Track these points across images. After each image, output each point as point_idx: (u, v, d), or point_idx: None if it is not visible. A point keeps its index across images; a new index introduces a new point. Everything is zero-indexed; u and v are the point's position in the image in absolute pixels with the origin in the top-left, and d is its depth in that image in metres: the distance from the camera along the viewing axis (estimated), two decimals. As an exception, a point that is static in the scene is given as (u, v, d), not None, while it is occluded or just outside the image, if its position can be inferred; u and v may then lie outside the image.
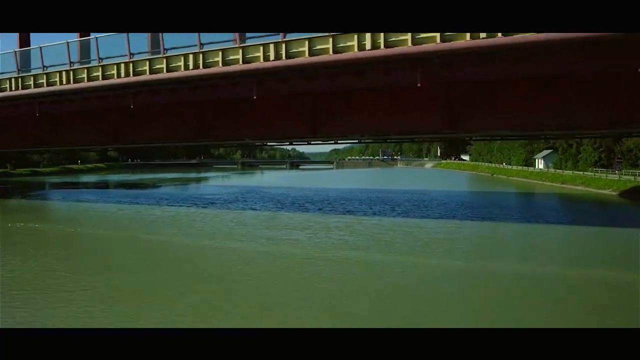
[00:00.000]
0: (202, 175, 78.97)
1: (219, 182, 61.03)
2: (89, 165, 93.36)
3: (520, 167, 66.35)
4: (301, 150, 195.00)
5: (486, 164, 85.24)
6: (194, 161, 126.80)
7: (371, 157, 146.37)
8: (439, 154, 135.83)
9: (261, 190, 41.73)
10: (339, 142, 26.99)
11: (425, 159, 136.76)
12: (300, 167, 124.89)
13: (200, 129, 23.20)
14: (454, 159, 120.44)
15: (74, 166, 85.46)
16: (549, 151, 64.98)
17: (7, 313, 9.03)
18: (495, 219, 23.59)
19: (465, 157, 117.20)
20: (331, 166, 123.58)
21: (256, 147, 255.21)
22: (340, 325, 7.98)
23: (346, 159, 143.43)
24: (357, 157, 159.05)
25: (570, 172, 49.17)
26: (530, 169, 63.79)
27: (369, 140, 25.49)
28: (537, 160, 65.99)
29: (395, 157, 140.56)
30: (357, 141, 25.69)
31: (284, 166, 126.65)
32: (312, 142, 22.63)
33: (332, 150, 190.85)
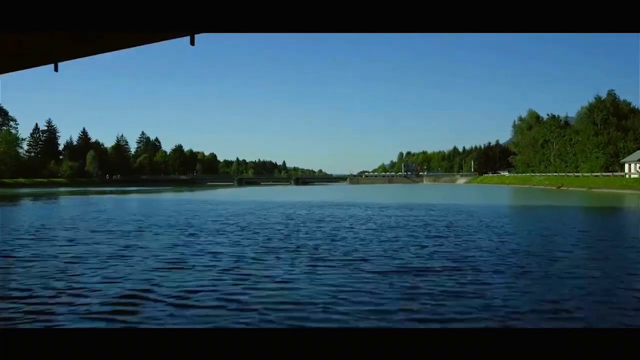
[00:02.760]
0: (158, 188, 62.88)
1: (144, 196, 42.76)
2: (41, 180, 76.37)
3: (600, 174, 45.30)
4: (329, 172, 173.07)
5: (541, 174, 64.21)
6: (183, 177, 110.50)
7: (392, 173, 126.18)
8: (472, 169, 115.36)
9: (180, 202, 30.34)
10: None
11: (457, 174, 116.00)
12: (309, 183, 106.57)
13: None
14: (492, 174, 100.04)
15: (9, 180, 68.30)
16: (645, 151, 44.09)
17: None
18: None
19: (504, 173, 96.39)
20: (344, 183, 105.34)
21: (274, 167, 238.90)
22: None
23: (362, 175, 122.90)
24: (375, 173, 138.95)
25: None
26: (621, 174, 42.73)
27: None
28: (628, 164, 44.78)
29: (420, 172, 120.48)
30: None
31: (289, 183, 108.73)
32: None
33: (360, 172, 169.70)
